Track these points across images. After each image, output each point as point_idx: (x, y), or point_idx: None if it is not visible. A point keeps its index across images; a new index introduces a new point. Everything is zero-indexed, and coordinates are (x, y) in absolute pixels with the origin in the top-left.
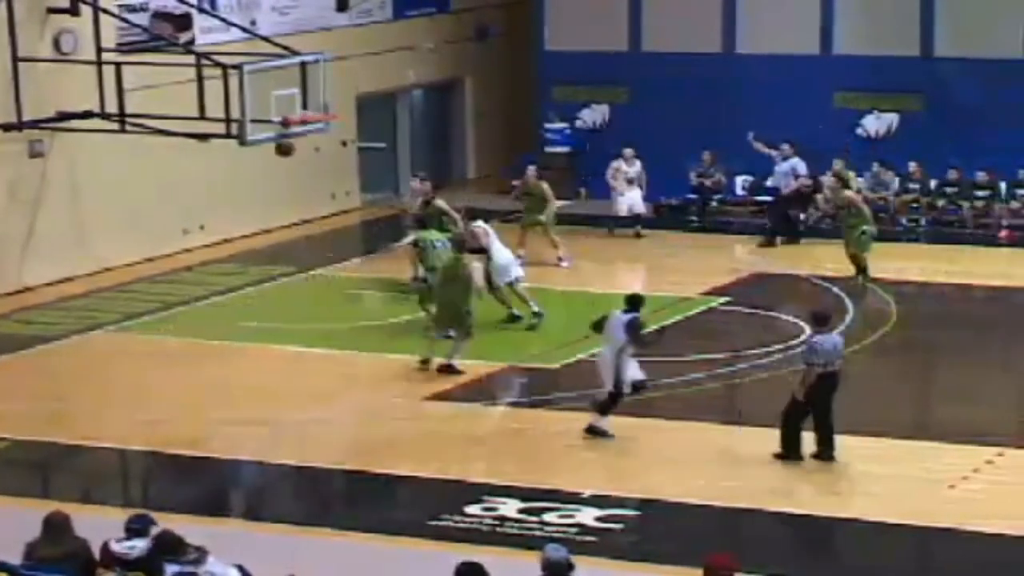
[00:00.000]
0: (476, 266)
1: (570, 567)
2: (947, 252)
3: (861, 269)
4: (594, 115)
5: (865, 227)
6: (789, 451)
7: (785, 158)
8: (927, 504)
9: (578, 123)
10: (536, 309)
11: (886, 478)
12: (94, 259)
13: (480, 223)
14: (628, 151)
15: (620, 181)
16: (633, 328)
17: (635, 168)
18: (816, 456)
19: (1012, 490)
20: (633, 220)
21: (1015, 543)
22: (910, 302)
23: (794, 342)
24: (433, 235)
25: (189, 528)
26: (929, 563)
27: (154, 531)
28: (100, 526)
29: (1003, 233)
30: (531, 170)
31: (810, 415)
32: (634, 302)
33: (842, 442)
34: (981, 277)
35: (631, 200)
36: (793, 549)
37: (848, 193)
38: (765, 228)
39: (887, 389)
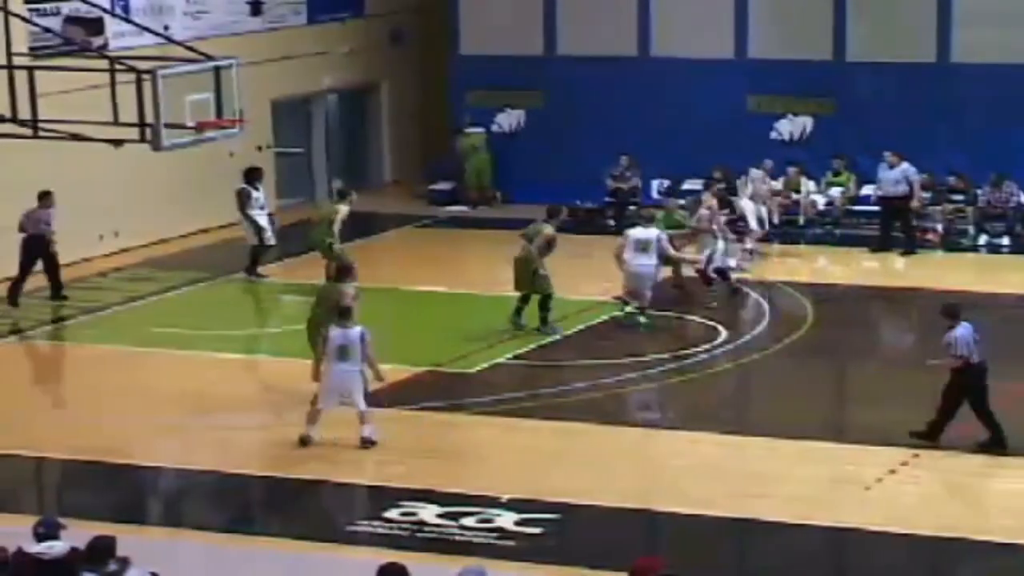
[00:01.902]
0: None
1: None
2: (863, 254)
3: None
4: (509, 119)
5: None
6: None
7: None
8: (844, 506)
9: (493, 128)
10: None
11: (804, 480)
12: (11, 265)
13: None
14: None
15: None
16: None
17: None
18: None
19: (928, 491)
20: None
21: (933, 544)
22: (826, 304)
23: (707, 345)
24: None
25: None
26: (846, 565)
27: (65, 535)
28: (16, 535)
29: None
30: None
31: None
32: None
33: (757, 443)
34: (898, 278)
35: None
36: (712, 552)
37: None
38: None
39: (803, 391)
